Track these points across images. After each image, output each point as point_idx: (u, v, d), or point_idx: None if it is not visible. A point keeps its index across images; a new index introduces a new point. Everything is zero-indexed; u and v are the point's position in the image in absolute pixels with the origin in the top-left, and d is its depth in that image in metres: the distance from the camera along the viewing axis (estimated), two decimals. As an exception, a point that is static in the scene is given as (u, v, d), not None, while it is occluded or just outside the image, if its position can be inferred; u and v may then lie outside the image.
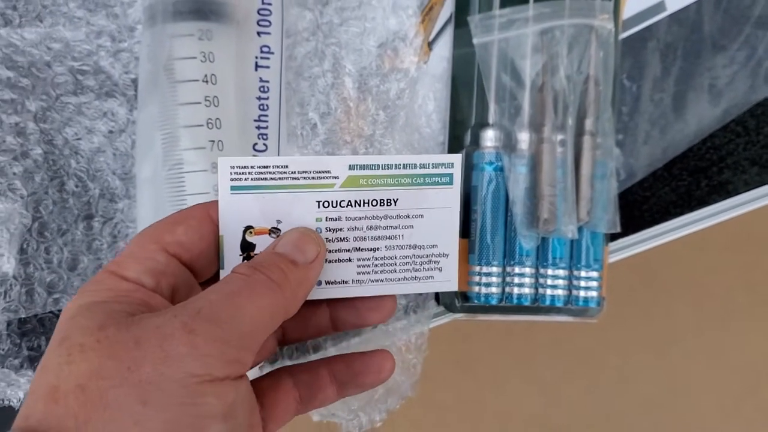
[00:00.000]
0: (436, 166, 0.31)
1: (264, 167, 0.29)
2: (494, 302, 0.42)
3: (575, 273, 0.42)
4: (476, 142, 0.42)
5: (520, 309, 0.43)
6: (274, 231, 0.30)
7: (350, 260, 0.31)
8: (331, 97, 0.39)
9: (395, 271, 0.31)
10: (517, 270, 0.42)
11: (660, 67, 0.46)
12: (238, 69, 0.36)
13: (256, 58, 0.37)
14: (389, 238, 0.31)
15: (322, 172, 0.30)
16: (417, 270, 0.31)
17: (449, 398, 1.00)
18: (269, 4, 0.37)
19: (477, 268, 0.41)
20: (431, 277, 0.32)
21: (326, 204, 0.30)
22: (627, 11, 0.46)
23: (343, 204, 0.30)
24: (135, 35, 0.39)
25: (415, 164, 0.31)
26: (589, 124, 0.42)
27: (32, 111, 0.38)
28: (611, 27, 0.42)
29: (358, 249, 0.31)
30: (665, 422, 1.04)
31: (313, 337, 0.33)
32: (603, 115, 0.42)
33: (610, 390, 1.04)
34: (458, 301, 0.42)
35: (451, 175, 0.31)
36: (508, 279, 0.42)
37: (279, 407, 0.30)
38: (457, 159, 0.31)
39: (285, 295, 0.26)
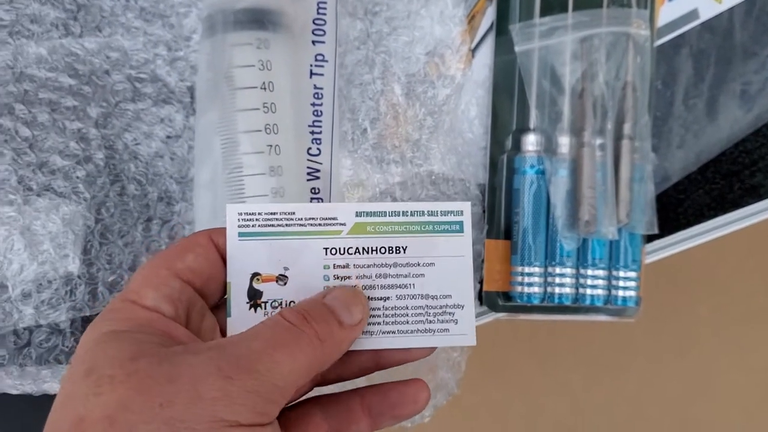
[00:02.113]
0: (444, 213, 0.30)
1: (271, 214, 0.29)
2: (536, 302, 0.43)
3: (614, 273, 0.44)
4: (517, 146, 0.43)
5: (560, 309, 0.44)
6: (281, 278, 0.29)
7: None
8: (381, 103, 0.41)
9: (407, 323, 0.30)
10: (558, 270, 0.43)
11: (693, 74, 0.47)
12: (294, 76, 0.38)
13: (311, 66, 0.39)
14: (400, 287, 0.30)
15: (329, 219, 0.30)
16: (431, 321, 0.30)
17: (475, 401, 1.01)
18: (324, 14, 0.38)
19: (519, 269, 0.43)
20: (446, 329, 0.30)
21: (334, 251, 0.30)
22: (661, 19, 0.47)
23: (350, 251, 0.30)
24: (190, 44, 0.41)
25: (423, 211, 0.30)
26: (627, 128, 0.43)
27: (93, 117, 0.40)
28: (647, 34, 0.44)
29: (368, 298, 0.30)
30: (691, 425, 1.05)
31: (355, 376, 0.31)
32: (640, 119, 0.43)
33: (637, 392, 1.05)
34: (501, 300, 0.43)
35: (461, 223, 0.30)
36: (549, 279, 0.43)
37: None
38: (466, 207, 0.31)
39: (325, 352, 0.26)
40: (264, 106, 0.37)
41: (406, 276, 0.30)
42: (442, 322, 0.30)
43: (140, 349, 0.24)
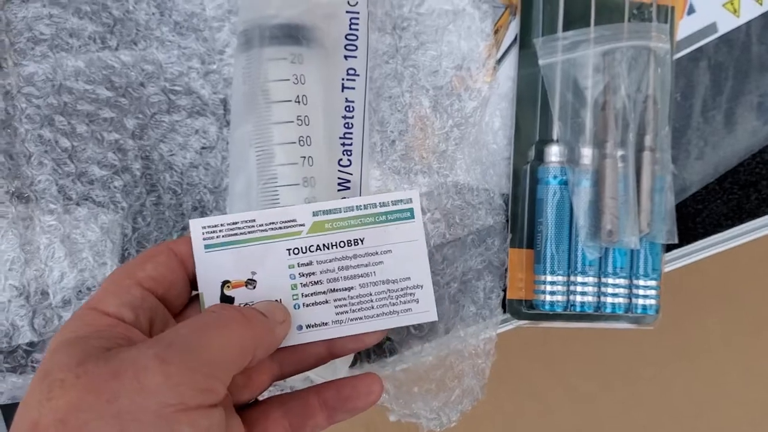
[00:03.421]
0: (395, 203, 0.33)
1: (233, 223, 0.31)
2: (559, 310, 0.44)
3: (634, 282, 0.45)
4: (540, 157, 0.44)
5: (582, 316, 0.45)
6: (250, 282, 0.31)
7: (327, 302, 0.32)
8: (409, 115, 0.42)
9: (372, 308, 0.32)
10: (580, 279, 0.44)
11: (711, 86, 0.48)
12: (326, 90, 0.39)
13: (343, 79, 0.40)
14: (362, 276, 0.32)
15: (289, 221, 0.32)
16: (394, 304, 0.33)
17: (486, 407, 1.02)
18: (356, 29, 0.39)
19: (542, 277, 0.44)
20: (409, 309, 0.33)
21: (296, 251, 0.32)
22: (680, 33, 0.48)
23: (312, 249, 0.32)
24: (224, 58, 0.42)
25: (375, 203, 0.33)
26: (648, 140, 0.44)
27: (130, 129, 0.41)
28: (668, 48, 0.45)
29: (333, 290, 0.32)
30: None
31: (312, 367, 0.33)
32: (661, 131, 0.44)
33: (647, 401, 1.05)
34: (524, 308, 0.44)
35: (411, 210, 0.33)
36: (571, 288, 0.44)
37: None
38: (415, 194, 0.33)
39: (255, 331, 0.28)
40: (298, 119, 0.38)
41: (366, 265, 0.32)
42: (405, 302, 0.33)
43: (89, 353, 0.25)
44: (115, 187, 0.40)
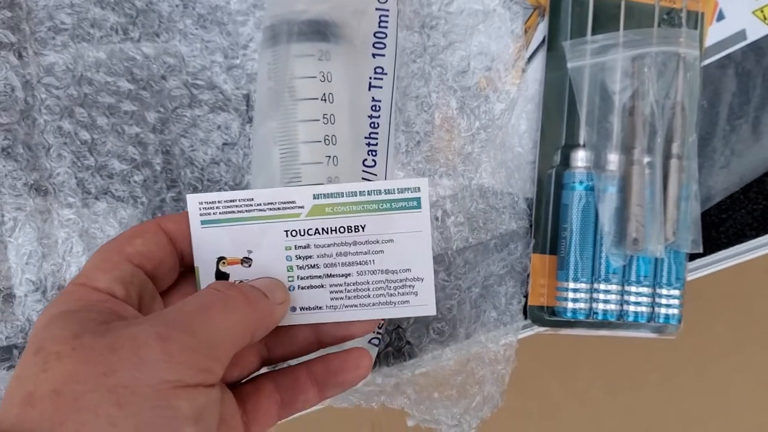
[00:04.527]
0: (402, 191, 0.32)
1: (231, 201, 0.31)
2: (582, 317, 0.43)
3: (658, 291, 0.44)
4: (565, 162, 0.44)
5: (603, 324, 0.44)
6: (245, 261, 0.31)
7: (322, 286, 0.32)
8: (435, 116, 0.41)
9: (369, 296, 0.32)
10: (603, 287, 0.43)
11: (738, 94, 0.48)
12: (353, 88, 0.38)
13: (370, 78, 0.39)
14: (360, 263, 0.32)
15: (288, 202, 0.31)
16: (391, 294, 0.32)
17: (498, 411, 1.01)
18: (385, 27, 0.38)
19: (565, 284, 0.43)
20: (407, 301, 0.32)
21: (294, 233, 0.31)
22: (708, 39, 0.47)
23: (310, 232, 0.31)
24: (247, 53, 0.41)
25: (380, 190, 0.32)
26: (675, 147, 0.43)
27: (151, 122, 0.40)
28: (697, 54, 0.44)
29: (329, 275, 0.32)
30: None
31: (300, 354, 0.33)
32: (688, 139, 0.44)
33: (653, 407, 1.05)
34: (546, 314, 0.44)
35: (418, 199, 0.32)
36: (594, 295, 0.43)
37: (261, 411, 0.31)
38: (423, 183, 0.32)
39: (257, 314, 0.28)
40: (324, 117, 0.37)
41: (365, 253, 0.32)
42: (403, 294, 0.32)
43: (84, 326, 0.25)
44: (135, 182, 0.39)
